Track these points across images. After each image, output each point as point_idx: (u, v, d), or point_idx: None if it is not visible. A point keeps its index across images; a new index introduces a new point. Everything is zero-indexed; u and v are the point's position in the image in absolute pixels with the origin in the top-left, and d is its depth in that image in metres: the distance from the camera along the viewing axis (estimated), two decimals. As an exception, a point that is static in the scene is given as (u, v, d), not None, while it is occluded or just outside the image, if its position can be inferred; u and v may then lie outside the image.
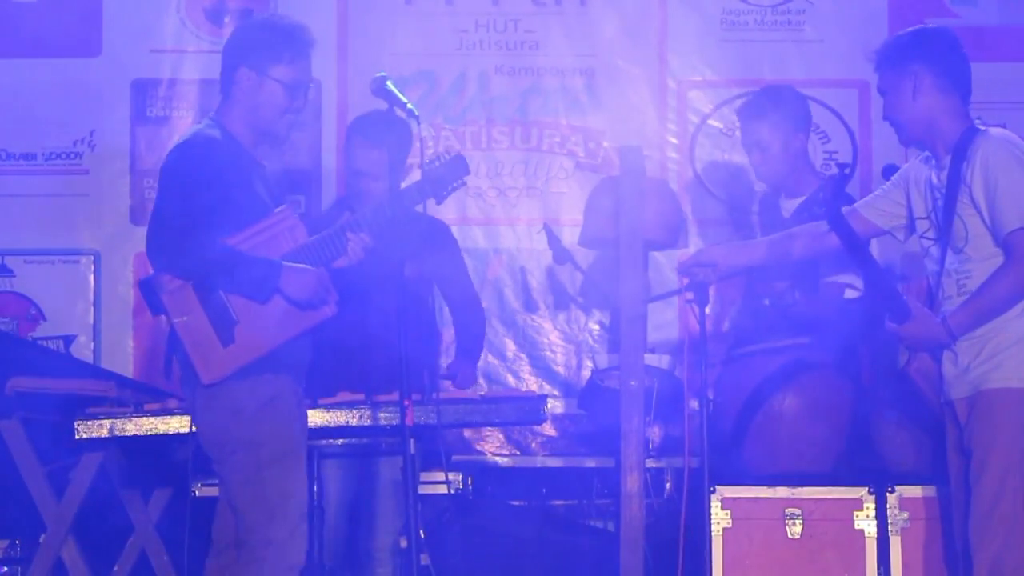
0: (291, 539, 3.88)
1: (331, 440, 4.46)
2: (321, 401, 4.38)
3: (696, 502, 4.37)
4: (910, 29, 4.23)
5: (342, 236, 4.00)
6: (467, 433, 5.78)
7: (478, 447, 5.84)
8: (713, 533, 4.43)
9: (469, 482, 4.91)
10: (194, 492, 5.05)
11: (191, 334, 3.88)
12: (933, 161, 4.12)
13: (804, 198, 4.98)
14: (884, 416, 4.61)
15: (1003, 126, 5.78)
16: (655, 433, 5.13)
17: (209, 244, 3.82)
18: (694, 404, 4.40)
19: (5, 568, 5.09)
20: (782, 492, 4.50)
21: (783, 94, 5.05)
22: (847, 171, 4.10)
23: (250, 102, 4.03)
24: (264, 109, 4.03)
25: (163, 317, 3.91)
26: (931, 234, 4.12)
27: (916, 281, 4.31)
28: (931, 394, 4.19)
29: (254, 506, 3.89)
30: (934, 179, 4.10)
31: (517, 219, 6.00)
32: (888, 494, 4.46)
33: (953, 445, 4.10)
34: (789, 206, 5.03)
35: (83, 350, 5.91)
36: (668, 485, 5.18)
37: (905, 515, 4.45)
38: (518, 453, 5.80)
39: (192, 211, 3.81)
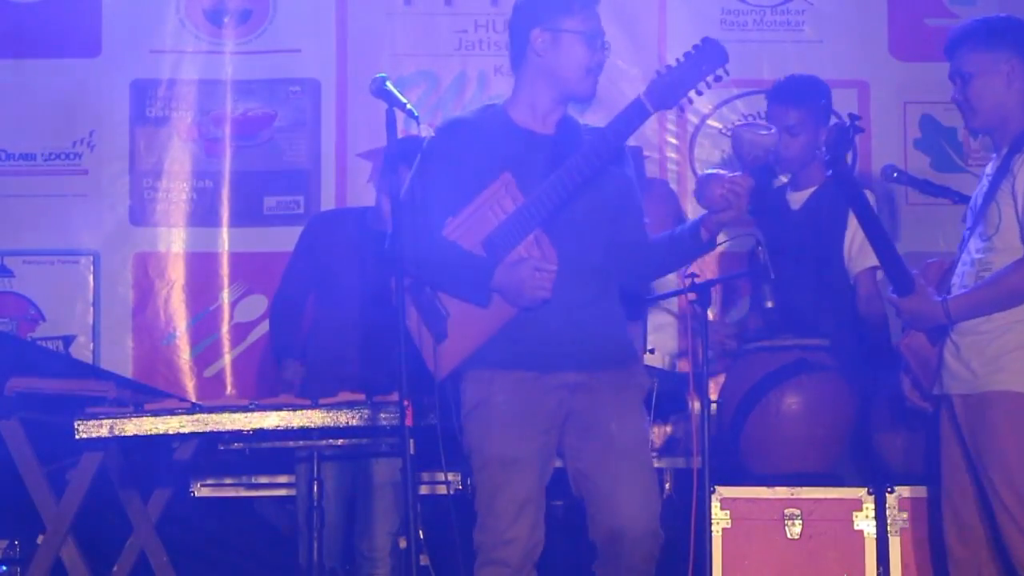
0: (494, 548, 3.80)
1: (331, 440, 4.46)
2: (321, 401, 4.39)
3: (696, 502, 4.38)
4: (1000, 16, 4.10)
5: (550, 192, 3.77)
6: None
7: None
8: (712, 533, 4.43)
9: (468, 483, 4.91)
10: (193, 492, 5.06)
11: (420, 334, 3.85)
12: (994, 154, 4.07)
13: (814, 188, 4.97)
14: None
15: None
16: (655, 433, 5.13)
17: (428, 246, 3.79)
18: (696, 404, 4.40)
19: (4, 568, 5.09)
20: (781, 492, 4.51)
21: (816, 84, 5.05)
22: (857, 122, 3.97)
23: (549, 64, 3.88)
24: (565, 68, 3.87)
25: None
26: (968, 220, 4.07)
27: (938, 261, 4.22)
28: (920, 374, 4.12)
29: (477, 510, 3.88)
30: (988, 169, 4.06)
31: (517, 219, 5.99)
32: (888, 494, 4.46)
33: (948, 435, 4.05)
34: (798, 198, 5.02)
35: (82, 350, 5.91)
36: (668, 485, 5.18)
37: (904, 515, 4.45)
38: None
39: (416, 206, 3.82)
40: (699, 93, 3.75)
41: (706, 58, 3.70)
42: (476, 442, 3.86)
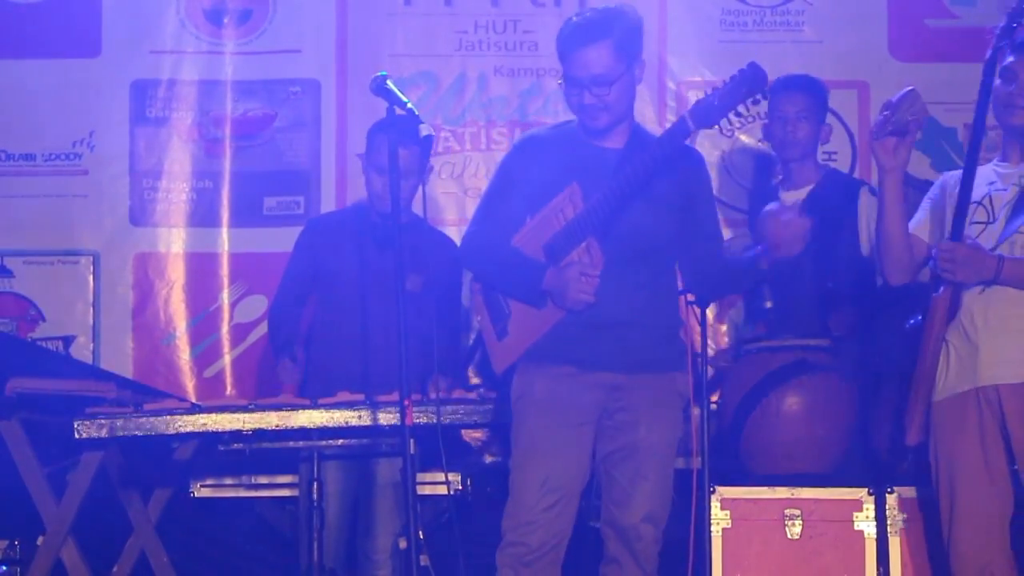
0: (514, 530, 3.97)
1: (331, 440, 4.46)
2: (321, 401, 4.39)
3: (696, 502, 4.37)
4: None
5: (602, 201, 3.93)
6: (466, 434, 5.78)
7: (478, 448, 5.84)
8: (712, 533, 4.43)
9: (468, 483, 4.91)
10: (193, 492, 5.06)
11: (485, 330, 4.19)
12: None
13: (811, 188, 4.97)
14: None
15: (1001, 127, 5.86)
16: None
17: (493, 253, 4.10)
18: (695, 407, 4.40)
19: (4, 568, 5.09)
20: (781, 493, 4.51)
21: (817, 81, 5.08)
22: None
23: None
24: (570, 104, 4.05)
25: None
26: (982, 216, 4.08)
27: None
28: (928, 329, 4.04)
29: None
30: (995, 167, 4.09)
31: (516, 219, 5.99)
32: (887, 495, 4.46)
33: (972, 429, 3.99)
34: (792, 197, 5.02)
35: (82, 351, 5.92)
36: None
37: (904, 516, 4.45)
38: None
39: (480, 217, 4.18)
40: (738, 115, 3.86)
41: (747, 82, 3.82)
42: (514, 431, 4.06)
